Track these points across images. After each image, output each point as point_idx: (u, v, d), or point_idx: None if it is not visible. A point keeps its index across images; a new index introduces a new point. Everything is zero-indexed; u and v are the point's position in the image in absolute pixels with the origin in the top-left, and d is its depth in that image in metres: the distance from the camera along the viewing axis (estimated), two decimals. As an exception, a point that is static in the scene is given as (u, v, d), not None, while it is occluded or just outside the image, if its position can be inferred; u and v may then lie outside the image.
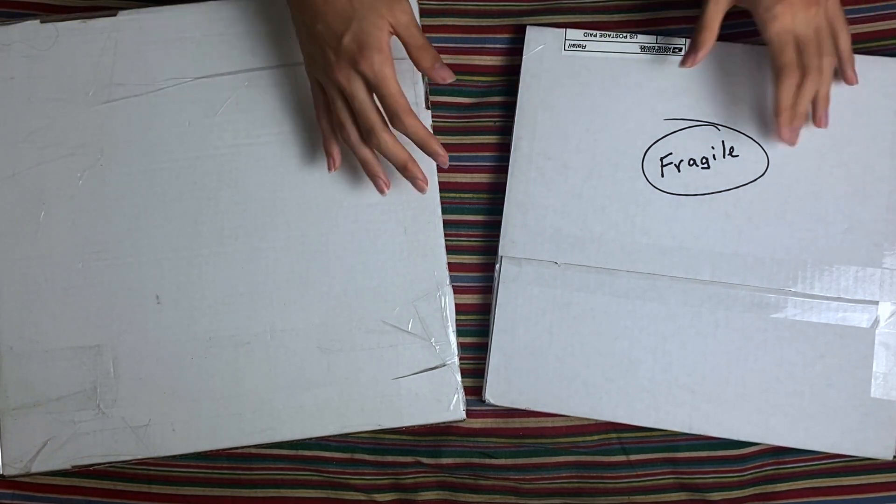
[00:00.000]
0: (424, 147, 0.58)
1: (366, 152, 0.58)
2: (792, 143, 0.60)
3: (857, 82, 0.61)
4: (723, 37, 0.65)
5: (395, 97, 0.56)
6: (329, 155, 0.60)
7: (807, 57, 0.58)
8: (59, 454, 0.62)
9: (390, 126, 0.57)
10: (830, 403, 0.61)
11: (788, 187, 0.62)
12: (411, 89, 0.63)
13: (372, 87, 0.56)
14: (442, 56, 0.65)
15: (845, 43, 0.60)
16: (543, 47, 0.65)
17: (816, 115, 0.60)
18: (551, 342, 0.62)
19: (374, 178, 0.60)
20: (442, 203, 0.63)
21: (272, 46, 0.63)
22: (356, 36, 0.54)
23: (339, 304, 0.62)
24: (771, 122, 0.62)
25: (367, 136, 0.57)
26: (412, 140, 0.57)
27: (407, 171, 0.58)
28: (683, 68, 0.61)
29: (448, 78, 0.57)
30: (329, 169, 0.60)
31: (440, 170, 0.63)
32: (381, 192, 0.60)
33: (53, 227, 0.63)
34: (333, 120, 0.59)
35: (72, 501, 0.64)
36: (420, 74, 0.63)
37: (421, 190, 0.60)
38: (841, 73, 0.61)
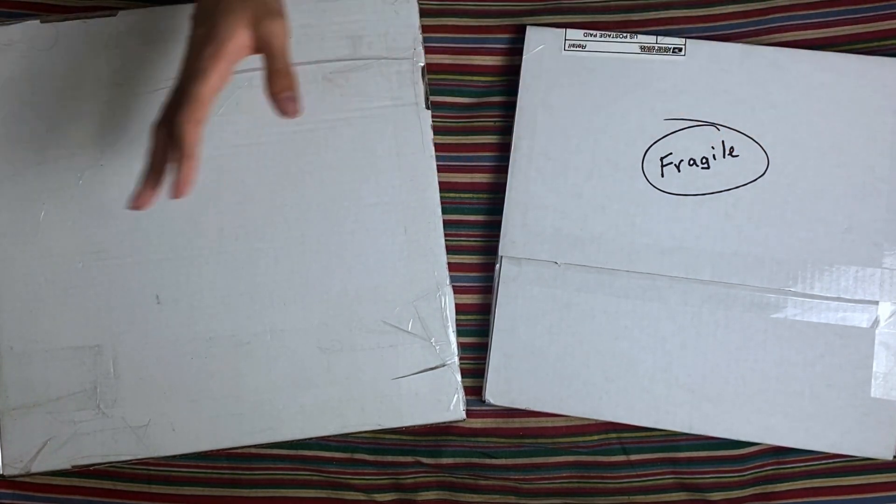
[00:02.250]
0: (180, 161, 0.52)
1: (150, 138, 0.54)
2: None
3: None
4: (723, 37, 0.65)
5: (189, 97, 0.51)
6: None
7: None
8: (59, 454, 0.62)
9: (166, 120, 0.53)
10: (830, 403, 0.61)
11: (788, 187, 0.62)
12: (411, 89, 0.63)
13: (185, 78, 0.52)
14: (442, 56, 0.66)
15: None
16: (543, 47, 0.65)
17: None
18: (551, 342, 0.62)
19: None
20: (442, 203, 0.63)
21: (272, 46, 0.63)
22: (207, 32, 0.52)
23: (339, 304, 0.62)
24: (771, 122, 0.62)
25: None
26: (174, 146, 0.52)
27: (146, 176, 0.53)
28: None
29: (291, 113, 0.52)
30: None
31: (440, 170, 0.63)
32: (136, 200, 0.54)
33: (53, 227, 0.63)
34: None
35: (72, 501, 0.64)
36: (420, 74, 0.63)
37: (172, 193, 0.52)
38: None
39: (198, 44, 0.52)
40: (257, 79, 0.63)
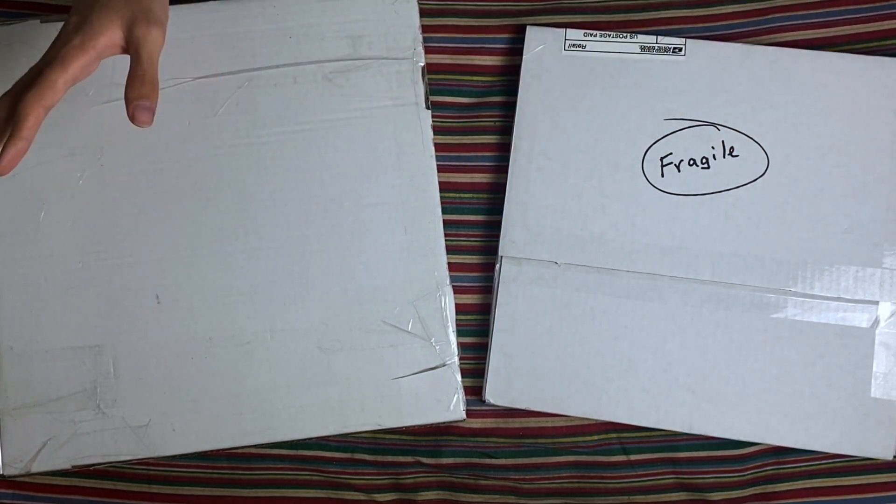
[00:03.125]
0: (6, 139, 0.50)
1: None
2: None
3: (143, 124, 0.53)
4: (723, 37, 0.65)
5: (47, 83, 0.50)
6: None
7: None
8: (59, 454, 0.61)
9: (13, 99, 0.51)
10: (830, 403, 0.61)
11: (788, 187, 0.62)
12: (411, 89, 0.63)
13: (42, 61, 0.51)
14: (442, 56, 0.66)
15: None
16: (543, 47, 0.65)
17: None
18: (551, 342, 0.62)
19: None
20: (442, 203, 0.63)
21: (272, 46, 0.63)
22: (78, 21, 0.51)
23: (339, 304, 0.62)
24: (771, 122, 0.62)
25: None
26: (11, 121, 0.50)
27: None
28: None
29: (142, 122, 0.52)
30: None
31: (440, 170, 0.63)
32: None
33: (53, 227, 0.63)
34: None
35: (72, 501, 0.64)
36: (420, 74, 0.63)
37: None
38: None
39: (69, 31, 0.52)
40: (257, 79, 0.63)
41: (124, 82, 0.63)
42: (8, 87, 0.63)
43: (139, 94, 0.52)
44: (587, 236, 0.63)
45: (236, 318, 0.62)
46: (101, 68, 0.63)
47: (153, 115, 0.52)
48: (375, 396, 0.62)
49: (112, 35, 0.52)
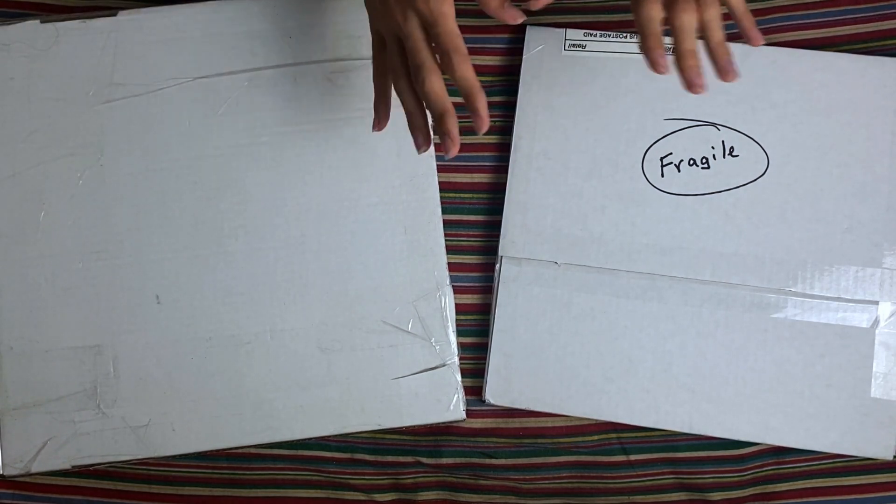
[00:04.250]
0: (469, 100, 0.51)
1: (412, 100, 0.53)
2: (692, 85, 0.51)
3: (761, 42, 0.52)
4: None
5: (450, 36, 0.50)
6: (376, 114, 0.56)
7: None
8: (59, 454, 0.62)
9: (440, 69, 0.51)
10: (830, 403, 0.61)
11: (788, 187, 0.62)
12: (411, 89, 0.63)
13: (426, 26, 0.50)
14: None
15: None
16: (543, 47, 0.65)
17: (719, 67, 0.52)
18: (551, 342, 0.62)
19: (415, 132, 0.53)
20: (442, 203, 0.63)
21: (272, 46, 0.63)
22: None
23: (339, 304, 0.62)
24: (771, 122, 0.62)
25: (415, 75, 0.51)
26: (460, 88, 0.51)
27: (443, 123, 0.51)
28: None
29: (518, 18, 0.52)
30: (373, 128, 0.56)
31: (440, 170, 0.63)
32: (419, 148, 0.53)
33: (53, 227, 0.63)
34: (389, 71, 0.54)
35: (72, 501, 0.64)
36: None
37: (447, 150, 0.51)
38: (740, 29, 0.53)
39: None
40: (257, 79, 0.63)
41: (124, 82, 0.63)
42: (7, 86, 0.63)
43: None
44: (587, 236, 0.63)
45: (236, 318, 0.62)
46: (100, 69, 0.64)
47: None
48: (375, 396, 0.62)
49: None
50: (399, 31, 0.52)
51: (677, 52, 0.51)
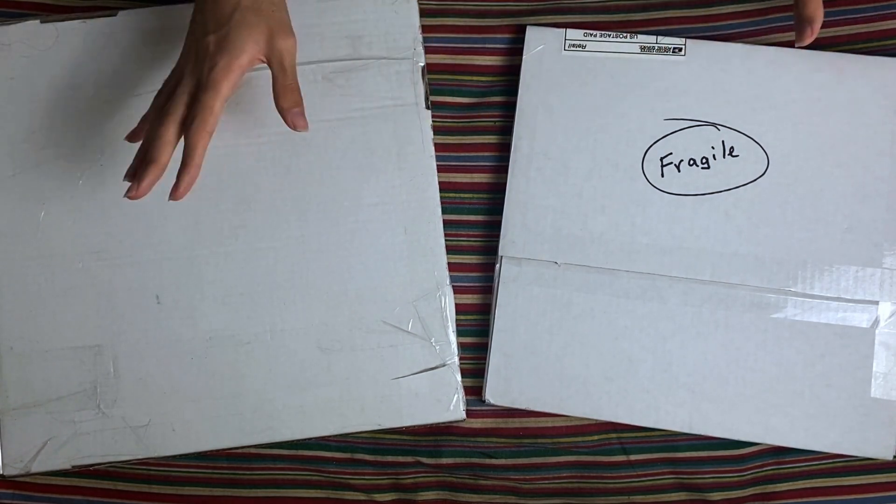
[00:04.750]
0: (183, 168, 0.53)
1: (149, 131, 0.55)
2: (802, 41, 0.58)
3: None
4: (723, 37, 0.65)
5: (206, 111, 0.53)
6: (132, 133, 0.58)
7: None
8: (59, 454, 0.62)
9: (181, 127, 0.54)
10: (830, 403, 0.61)
11: (788, 187, 0.62)
12: (411, 89, 0.63)
13: (197, 88, 0.54)
14: (442, 56, 0.66)
15: None
16: (543, 47, 0.65)
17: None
18: (551, 342, 0.62)
19: (136, 166, 0.55)
20: (442, 203, 0.63)
21: (272, 46, 0.63)
22: (219, 40, 0.54)
23: (339, 304, 0.62)
24: (771, 122, 0.62)
25: (156, 118, 0.54)
26: (184, 154, 0.53)
27: (146, 166, 0.53)
28: (800, 45, 0.59)
29: (300, 127, 0.56)
30: (126, 138, 0.58)
31: (440, 170, 0.63)
32: (128, 190, 0.54)
33: (53, 227, 0.63)
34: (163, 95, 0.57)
35: (72, 501, 0.64)
36: (420, 74, 0.63)
37: (129, 194, 0.54)
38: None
39: (210, 53, 0.54)
40: (256, 79, 0.63)
41: (124, 82, 0.63)
42: (7, 86, 0.63)
43: (293, 103, 0.56)
44: (587, 236, 0.63)
45: (236, 318, 0.62)
46: (100, 69, 0.64)
47: (306, 119, 0.57)
48: (375, 396, 0.62)
49: (254, 51, 0.54)
50: (180, 78, 0.55)
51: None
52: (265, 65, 0.56)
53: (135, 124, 0.63)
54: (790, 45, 0.64)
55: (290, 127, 0.56)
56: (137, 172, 0.54)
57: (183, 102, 0.54)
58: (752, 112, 0.63)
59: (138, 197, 0.54)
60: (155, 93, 0.63)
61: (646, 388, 0.62)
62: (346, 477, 0.64)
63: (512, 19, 0.66)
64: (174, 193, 0.54)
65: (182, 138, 0.54)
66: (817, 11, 0.58)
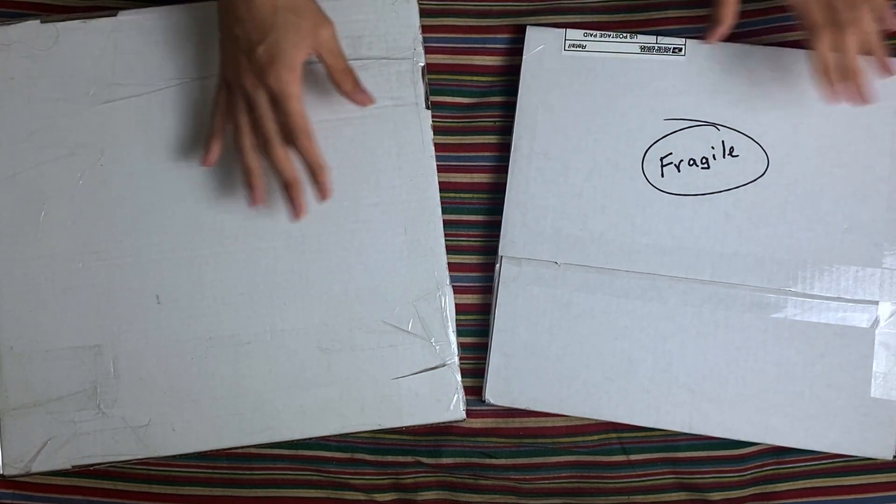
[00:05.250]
0: (314, 174, 0.57)
1: (253, 161, 0.58)
2: (862, 100, 0.58)
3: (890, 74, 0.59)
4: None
5: (295, 115, 0.56)
6: (209, 151, 0.60)
7: (838, 12, 0.56)
8: (59, 454, 0.62)
9: (286, 143, 0.57)
10: (830, 403, 0.61)
11: (788, 187, 0.62)
12: (411, 89, 0.63)
13: (274, 102, 0.56)
14: (442, 56, 0.66)
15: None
16: (543, 47, 0.65)
17: (879, 66, 0.58)
18: (551, 342, 0.62)
19: (251, 189, 0.59)
20: (442, 203, 0.63)
21: (272, 46, 0.63)
22: (270, 49, 0.55)
23: (339, 304, 0.62)
24: (771, 122, 0.62)
25: (263, 145, 0.57)
26: (303, 163, 0.57)
27: (290, 189, 0.57)
28: (709, 43, 0.60)
29: (368, 102, 0.59)
30: (203, 163, 0.61)
31: (440, 170, 0.63)
32: (252, 203, 0.59)
33: (53, 227, 0.63)
34: (231, 121, 0.59)
35: (72, 501, 0.64)
36: (420, 74, 0.63)
37: (295, 215, 0.58)
38: (880, 21, 0.57)
39: (266, 63, 0.55)
40: (257, 79, 0.63)
41: (124, 82, 0.63)
42: (7, 86, 0.63)
43: (353, 84, 0.59)
44: (587, 236, 0.63)
45: (236, 318, 0.62)
46: (100, 69, 0.64)
47: (369, 92, 0.60)
48: (375, 396, 0.62)
49: (304, 48, 0.56)
50: (248, 97, 0.56)
51: (847, 69, 0.57)
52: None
53: (135, 124, 0.63)
54: (790, 45, 0.65)
55: (358, 105, 0.59)
56: (292, 198, 0.57)
57: (270, 119, 0.56)
58: (752, 112, 0.63)
59: (304, 215, 0.58)
60: (155, 92, 0.63)
61: (646, 388, 0.62)
62: (346, 477, 0.64)
63: (512, 19, 0.66)
64: (324, 196, 0.58)
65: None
66: (727, 16, 0.57)
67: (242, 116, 0.57)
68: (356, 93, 0.59)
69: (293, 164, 0.57)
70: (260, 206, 0.60)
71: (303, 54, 0.56)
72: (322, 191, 0.57)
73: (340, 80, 0.58)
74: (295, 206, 0.57)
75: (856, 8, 0.55)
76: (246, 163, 0.58)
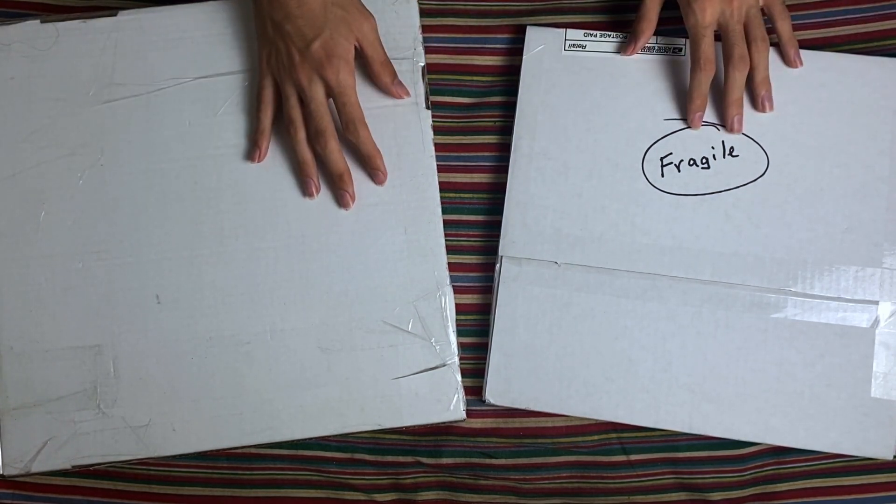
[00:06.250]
0: (369, 160, 0.61)
1: (308, 153, 0.61)
2: (733, 128, 0.62)
3: (800, 65, 0.63)
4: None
5: (354, 107, 0.59)
6: (259, 147, 0.62)
7: (728, 46, 0.60)
8: (59, 454, 0.61)
9: (344, 133, 0.60)
10: (830, 403, 0.61)
11: (788, 187, 0.62)
12: (412, 89, 0.63)
13: (332, 94, 0.59)
14: (442, 56, 0.66)
15: (783, 26, 0.62)
16: (543, 47, 0.65)
17: (756, 102, 0.62)
18: (551, 342, 0.62)
19: (306, 180, 0.61)
20: (442, 203, 0.63)
21: (272, 46, 0.63)
22: (326, 43, 0.58)
23: (339, 304, 0.62)
24: (771, 122, 0.62)
25: (315, 137, 0.60)
26: (359, 150, 0.61)
27: (342, 181, 0.61)
28: (625, 56, 0.64)
29: (405, 94, 0.62)
30: (254, 160, 0.62)
31: (440, 170, 0.63)
32: (311, 195, 0.62)
33: (53, 227, 0.63)
34: (281, 116, 0.61)
35: (72, 501, 0.64)
36: (420, 74, 0.63)
37: (346, 205, 0.61)
38: (783, 58, 0.63)
39: (323, 58, 0.58)
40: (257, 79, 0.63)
41: (124, 82, 0.63)
42: (7, 86, 0.63)
43: (392, 76, 0.62)
44: (587, 236, 0.63)
45: (236, 318, 0.62)
46: (100, 69, 0.64)
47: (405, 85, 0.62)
48: (375, 396, 0.62)
49: (353, 41, 0.59)
50: (303, 91, 0.59)
51: (726, 101, 0.61)
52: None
53: (135, 125, 0.63)
54: (790, 45, 0.65)
55: (396, 98, 0.62)
56: (344, 188, 0.61)
57: (326, 112, 0.59)
58: (752, 112, 0.63)
59: (352, 205, 0.62)
60: (155, 92, 0.63)
61: (646, 388, 0.62)
62: (346, 477, 0.64)
63: (512, 19, 0.66)
64: (380, 181, 0.61)
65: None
66: (646, 31, 0.63)
67: (295, 111, 0.60)
68: (394, 85, 0.61)
69: (344, 156, 0.61)
70: (315, 197, 0.62)
71: (353, 47, 0.59)
72: (381, 175, 0.61)
73: (380, 72, 0.61)
74: (348, 196, 0.61)
75: (747, 43, 0.61)
76: (302, 155, 0.61)
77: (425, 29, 0.64)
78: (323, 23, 0.58)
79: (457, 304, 0.63)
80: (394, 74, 0.61)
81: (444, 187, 0.64)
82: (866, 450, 0.61)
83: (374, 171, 0.61)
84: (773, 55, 0.63)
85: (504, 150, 0.65)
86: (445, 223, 0.63)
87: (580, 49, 0.65)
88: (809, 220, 0.62)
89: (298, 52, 0.58)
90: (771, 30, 0.62)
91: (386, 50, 0.61)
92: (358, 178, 0.62)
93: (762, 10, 0.62)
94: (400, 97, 0.62)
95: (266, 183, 0.63)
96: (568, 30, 0.65)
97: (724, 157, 0.63)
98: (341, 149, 0.61)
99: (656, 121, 0.64)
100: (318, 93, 0.59)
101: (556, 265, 0.63)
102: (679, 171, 0.63)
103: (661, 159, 0.63)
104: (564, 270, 0.63)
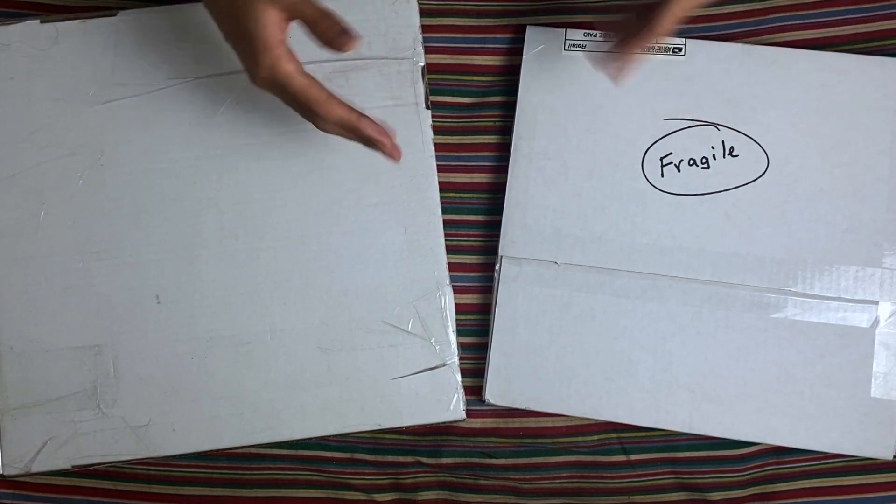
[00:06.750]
0: (355, 132, 0.54)
1: (338, 127, 0.55)
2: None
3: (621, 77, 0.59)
4: (723, 37, 0.65)
5: (304, 91, 0.52)
6: (382, 141, 0.56)
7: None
8: (59, 454, 0.62)
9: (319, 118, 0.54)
10: (830, 403, 0.61)
11: (788, 187, 0.62)
12: (411, 89, 0.63)
13: (279, 90, 0.53)
14: (442, 56, 0.66)
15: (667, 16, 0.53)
16: (543, 47, 0.65)
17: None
18: (551, 342, 0.62)
19: (377, 142, 0.55)
20: (442, 203, 0.63)
21: (272, 46, 0.63)
22: (245, 44, 0.51)
23: (339, 304, 0.62)
24: (771, 122, 0.62)
25: (313, 119, 0.54)
26: (340, 127, 0.54)
27: (372, 144, 0.54)
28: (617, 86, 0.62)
29: (350, 44, 0.50)
30: (396, 158, 0.57)
31: (440, 170, 0.63)
32: (391, 157, 0.55)
33: (53, 227, 0.63)
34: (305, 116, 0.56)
35: (72, 501, 0.64)
36: (420, 74, 0.63)
37: (393, 156, 0.55)
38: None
39: (251, 61, 0.51)
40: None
41: (124, 82, 0.63)
42: (7, 86, 0.63)
43: (328, 27, 0.50)
44: (587, 236, 0.63)
45: (236, 318, 0.62)
46: (100, 69, 0.64)
47: (352, 33, 0.50)
48: (375, 396, 0.62)
49: (278, 20, 0.50)
50: (267, 91, 0.54)
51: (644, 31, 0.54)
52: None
53: (135, 125, 0.63)
54: (790, 44, 0.65)
55: (339, 50, 0.51)
56: (380, 147, 0.55)
57: (293, 104, 0.54)
58: (752, 112, 0.63)
59: (398, 154, 0.56)
60: (155, 92, 0.63)
61: (646, 388, 0.62)
62: (346, 477, 0.64)
63: (512, 19, 0.66)
64: (397, 158, 0.56)
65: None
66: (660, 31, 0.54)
67: (293, 110, 0.55)
68: (336, 39, 0.50)
69: (348, 108, 0.53)
70: (398, 159, 0.56)
71: (276, 28, 0.50)
72: (383, 144, 0.54)
73: (316, 30, 0.50)
74: (384, 145, 0.55)
75: None
76: (337, 130, 0.55)
77: (425, 29, 0.64)
78: (236, 20, 0.51)
79: (457, 304, 0.63)
80: (330, 25, 0.50)
81: (444, 187, 0.64)
82: (866, 450, 0.61)
83: (367, 139, 0.54)
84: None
85: (504, 150, 0.65)
86: (445, 223, 0.63)
87: (580, 49, 0.65)
88: (809, 220, 0.62)
89: (242, 61, 0.53)
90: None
91: (371, 42, 0.57)
92: (359, 177, 0.62)
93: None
94: (343, 49, 0.50)
95: (266, 183, 0.63)
96: (568, 30, 0.65)
97: (723, 156, 0.63)
98: (341, 102, 0.53)
99: (656, 121, 0.64)
100: (279, 94, 0.53)
101: (555, 265, 0.63)
102: (679, 171, 0.63)
103: (661, 159, 0.63)
104: (564, 270, 0.63)
